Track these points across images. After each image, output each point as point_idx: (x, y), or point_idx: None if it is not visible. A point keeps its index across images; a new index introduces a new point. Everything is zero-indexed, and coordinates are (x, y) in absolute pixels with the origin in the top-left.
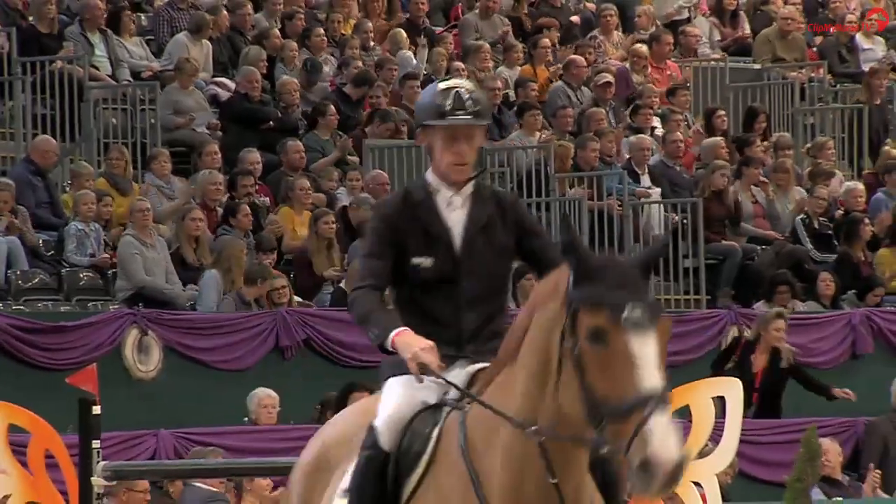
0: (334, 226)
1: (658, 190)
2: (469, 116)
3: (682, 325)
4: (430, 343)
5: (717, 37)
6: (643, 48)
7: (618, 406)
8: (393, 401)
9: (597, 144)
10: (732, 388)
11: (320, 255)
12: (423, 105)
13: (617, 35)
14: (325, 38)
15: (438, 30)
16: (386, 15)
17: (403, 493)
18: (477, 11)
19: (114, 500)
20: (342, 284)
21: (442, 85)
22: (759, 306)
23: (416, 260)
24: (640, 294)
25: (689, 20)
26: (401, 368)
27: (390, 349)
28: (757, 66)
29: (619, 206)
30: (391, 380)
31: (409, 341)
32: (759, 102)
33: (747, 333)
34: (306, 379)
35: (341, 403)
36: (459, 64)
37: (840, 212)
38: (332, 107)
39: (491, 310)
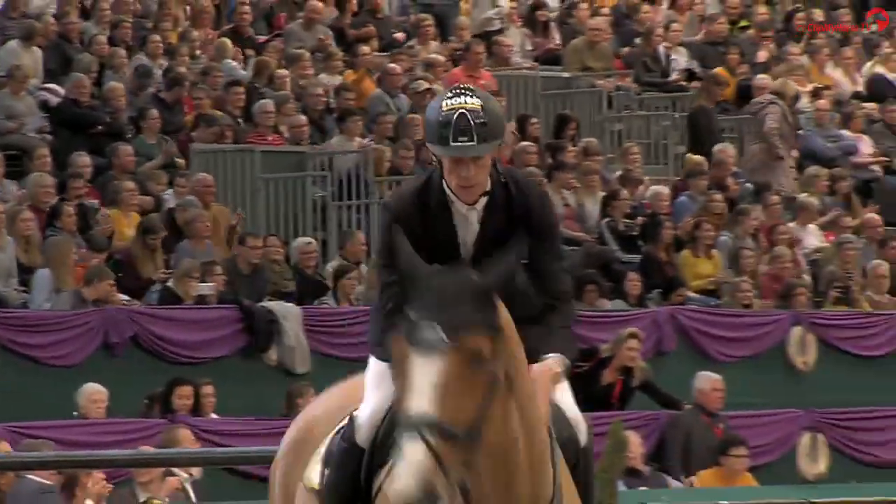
0: (157, 240)
1: None
2: (473, 143)
3: None
4: None
5: (529, 46)
6: (441, 58)
7: (392, 428)
8: (376, 396)
9: (413, 150)
10: None
11: (145, 258)
12: (428, 124)
13: (434, 44)
14: (160, 45)
15: (262, 38)
16: (212, 25)
17: (374, 487)
18: (300, 21)
19: None
20: (169, 283)
21: (446, 105)
22: None
23: None
24: (449, 312)
25: (501, 31)
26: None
27: None
28: (567, 75)
29: None
30: (375, 364)
31: None
32: (570, 110)
33: (604, 349)
34: (134, 374)
35: (167, 398)
36: (283, 71)
37: (644, 215)
38: (154, 111)
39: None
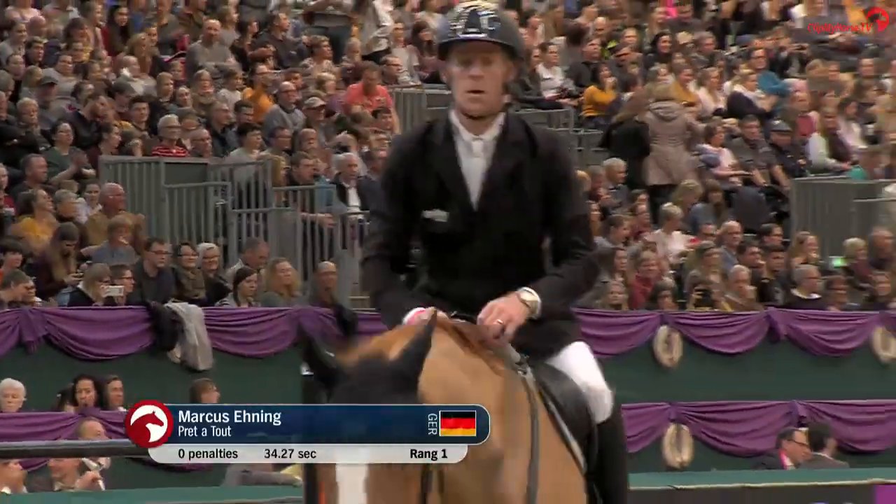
0: (71, 246)
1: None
2: (483, 34)
3: None
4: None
5: (416, 64)
6: (332, 76)
7: None
8: None
9: (310, 161)
10: None
11: (59, 262)
12: (439, 29)
13: (326, 63)
14: (71, 64)
15: (167, 58)
16: (120, 44)
17: None
18: (201, 41)
19: None
20: (80, 286)
21: (462, 6)
22: None
23: (428, 213)
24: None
25: (388, 51)
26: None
27: None
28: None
29: (330, 218)
30: None
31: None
32: None
33: None
34: (47, 371)
35: (73, 392)
36: (184, 89)
37: None
38: (66, 125)
39: (512, 275)
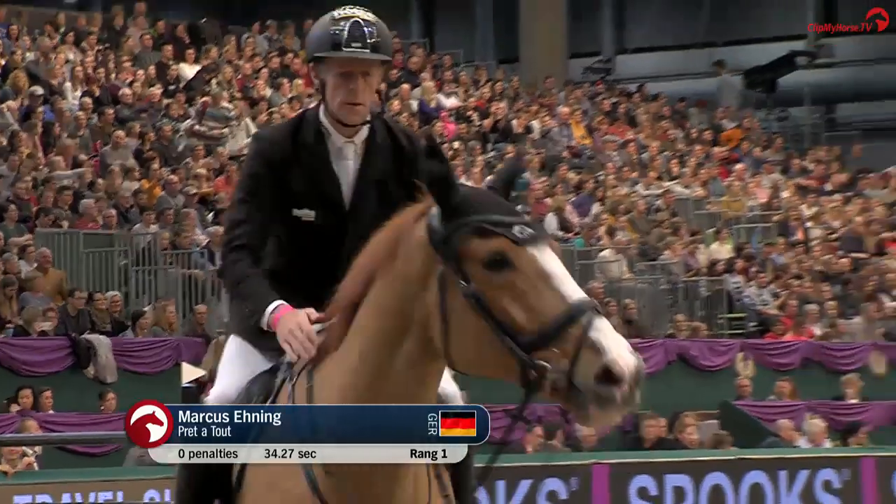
0: (13, 291)
1: None
2: (367, 50)
3: None
4: (316, 315)
5: None
6: (205, 171)
7: (549, 326)
8: (226, 375)
9: (188, 233)
10: None
11: (4, 305)
12: (315, 36)
13: (202, 161)
14: (17, 161)
15: (85, 158)
16: (52, 148)
17: (233, 472)
18: (111, 146)
19: None
20: (21, 323)
21: (339, 13)
22: None
23: (297, 211)
24: (520, 214)
25: None
26: (244, 330)
27: (268, 329)
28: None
29: (202, 273)
30: (233, 338)
31: (287, 323)
32: None
33: None
34: None
35: (16, 398)
36: (99, 181)
37: None
38: (13, 206)
39: None
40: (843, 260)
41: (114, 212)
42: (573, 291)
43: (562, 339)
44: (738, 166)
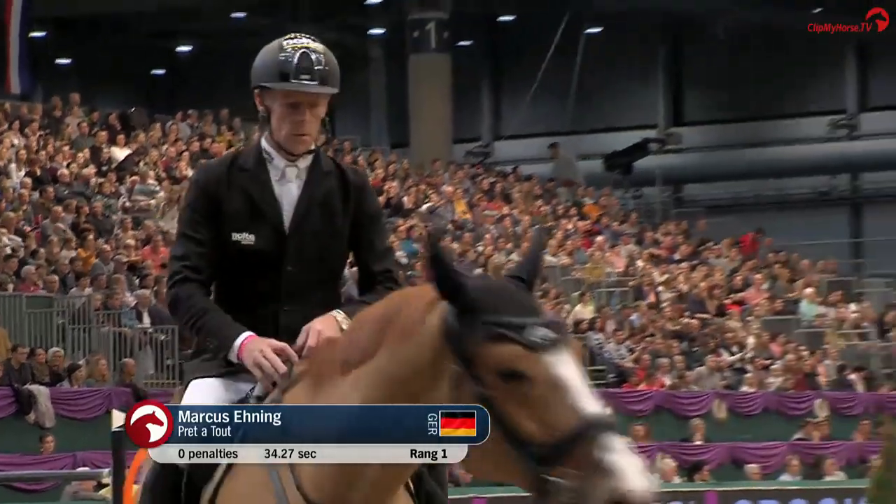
0: None
1: None
2: (315, 83)
3: None
4: (281, 345)
5: None
6: (132, 241)
7: (562, 441)
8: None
9: (118, 295)
10: None
11: None
12: (263, 64)
13: (130, 233)
14: None
15: (28, 229)
16: None
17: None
18: (50, 219)
19: None
20: None
21: (288, 43)
22: None
23: (236, 235)
24: (540, 313)
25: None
26: (204, 370)
27: (236, 361)
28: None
29: (131, 331)
30: (193, 383)
31: (253, 349)
32: None
33: None
34: None
35: None
36: (41, 250)
37: None
38: None
39: (318, 300)
40: (690, 320)
41: (55, 277)
42: (587, 404)
43: (574, 455)
44: (599, 238)
